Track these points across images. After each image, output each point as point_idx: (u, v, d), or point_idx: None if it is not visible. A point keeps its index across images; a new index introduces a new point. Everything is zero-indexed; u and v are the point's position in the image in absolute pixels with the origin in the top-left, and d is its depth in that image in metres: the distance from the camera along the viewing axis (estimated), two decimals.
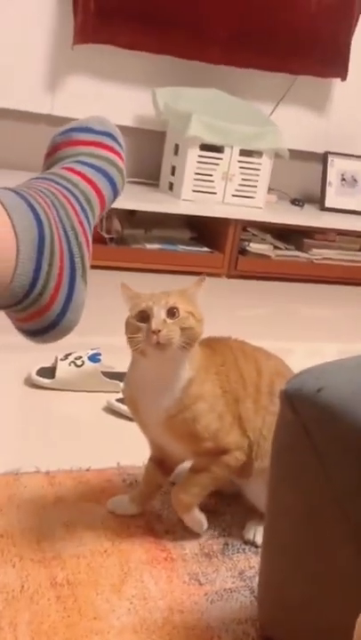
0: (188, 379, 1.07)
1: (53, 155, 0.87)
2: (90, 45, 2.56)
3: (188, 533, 1.15)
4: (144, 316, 1.04)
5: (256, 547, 1.14)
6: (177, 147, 2.75)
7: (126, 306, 1.08)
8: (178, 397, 1.07)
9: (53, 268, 0.74)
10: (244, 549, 1.14)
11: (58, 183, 0.79)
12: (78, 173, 0.82)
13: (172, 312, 1.03)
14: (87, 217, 0.80)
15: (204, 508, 1.18)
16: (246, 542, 1.15)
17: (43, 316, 0.75)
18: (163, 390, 1.07)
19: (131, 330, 1.05)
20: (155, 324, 1.02)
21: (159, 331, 1.01)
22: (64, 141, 0.87)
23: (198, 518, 1.14)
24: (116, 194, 0.87)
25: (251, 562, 1.11)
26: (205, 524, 1.14)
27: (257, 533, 1.15)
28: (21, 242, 0.70)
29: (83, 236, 0.77)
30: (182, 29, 2.66)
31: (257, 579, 1.03)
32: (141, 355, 1.05)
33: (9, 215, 0.70)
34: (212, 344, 1.16)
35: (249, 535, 1.16)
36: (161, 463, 1.18)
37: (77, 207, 0.78)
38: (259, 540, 1.13)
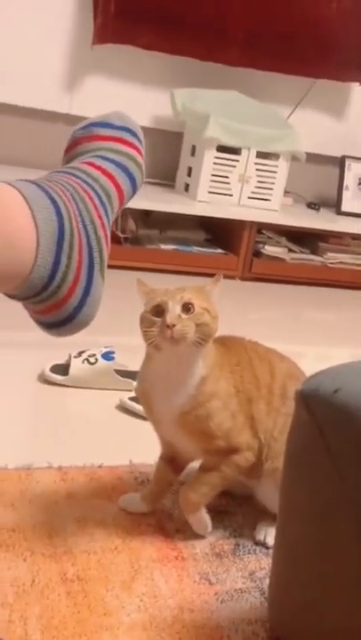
0: (201, 376, 1.07)
1: (73, 149, 0.87)
2: (109, 46, 2.57)
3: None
4: (159, 311, 1.04)
5: (267, 548, 1.13)
6: (194, 148, 2.75)
7: (141, 301, 1.08)
8: (192, 394, 1.07)
9: (72, 261, 0.74)
10: (254, 550, 1.13)
11: (78, 177, 0.80)
12: (98, 168, 0.83)
13: (187, 307, 1.04)
14: (106, 211, 0.80)
15: (214, 509, 1.18)
16: (257, 543, 1.15)
17: (60, 309, 0.76)
18: (176, 387, 1.07)
19: (145, 324, 1.05)
20: (169, 319, 1.02)
21: (174, 325, 1.01)
22: (84, 136, 0.88)
23: (204, 519, 1.13)
24: (135, 189, 0.87)
25: (261, 563, 1.10)
26: (210, 527, 1.14)
27: (268, 534, 1.14)
28: (41, 234, 0.71)
29: (101, 230, 0.78)
30: (202, 31, 2.66)
31: (267, 580, 1.02)
32: (155, 349, 1.05)
33: (30, 207, 0.70)
34: (226, 342, 1.16)
35: (260, 536, 1.15)
36: (172, 461, 1.18)
37: (97, 201, 0.79)
38: (270, 541, 1.13)
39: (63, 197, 0.75)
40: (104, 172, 0.83)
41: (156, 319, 1.03)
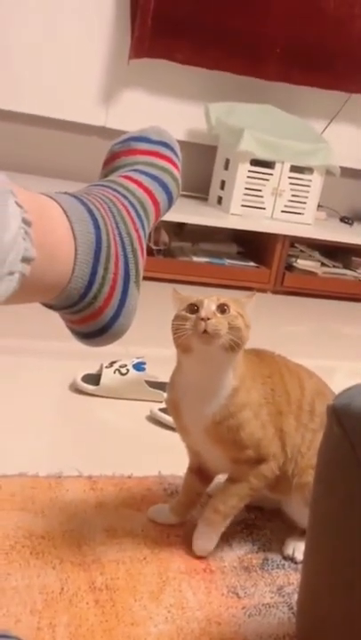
0: (233, 387, 1.07)
1: (112, 163, 0.89)
2: (145, 60, 2.61)
3: (228, 546, 1.14)
4: (193, 309, 1.03)
5: (295, 562, 1.13)
6: (227, 161, 2.76)
7: (175, 308, 1.08)
8: (223, 404, 1.07)
9: (108, 272, 0.75)
10: (283, 565, 1.13)
11: (116, 190, 0.81)
12: (135, 181, 0.84)
13: (222, 308, 1.03)
14: (142, 224, 0.81)
15: (243, 522, 1.18)
16: (285, 558, 1.14)
17: (96, 320, 0.77)
18: (207, 396, 1.07)
19: (179, 320, 1.04)
20: (204, 313, 1.01)
21: (208, 318, 1.01)
22: (122, 150, 0.89)
23: (213, 539, 1.11)
24: (170, 202, 0.89)
25: (290, 578, 1.10)
26: (210, 550, 1.11)
27: (296, 549, 1.14)
28: (79, 245, 0.72)
29: (138, 243, 0.79)
30: (238, 46, 2.68)
31: (296, 595, 1.02)
32: (186, 351, 1.05)
33: (69, 219, 0.72)
34: (259, 354, 1.16)
35: (288, 550, 1.15)
36: (199, 472, 1.18)
37: (134, 214, 0.80)
38: (298, 555, 1.12)
39: (101, 210, 0.76)
40: (141, 185, 0.84)
41: (191, 316, 1.03)
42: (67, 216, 0.72)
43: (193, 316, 1.03)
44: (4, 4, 2.49)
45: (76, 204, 0.74)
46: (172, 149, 0.91)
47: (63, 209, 0.72)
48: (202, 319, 1.01)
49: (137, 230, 0.79)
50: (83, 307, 0.75)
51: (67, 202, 0.73)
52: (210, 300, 1.04)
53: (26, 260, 0.64)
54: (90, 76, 2.65)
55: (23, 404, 1.56)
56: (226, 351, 1.03)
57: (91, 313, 0.76)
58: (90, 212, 0.74)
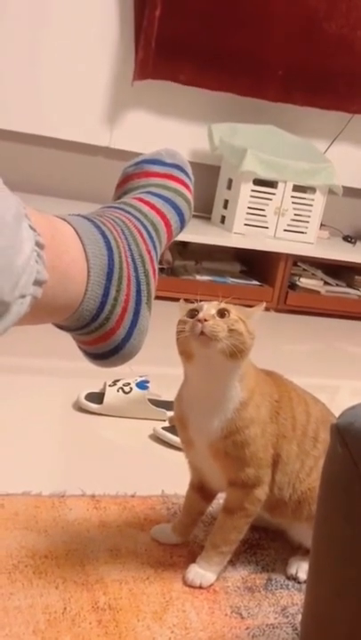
0: (240, 401, 1.06)
1: (125, 185, 0.90)
2: (149, 81, 2.63)
3: (231, 566, 1.14)
4: (194, 314, 1.03)
5: (299, 582, 1.12)
6: (230, 181, 2.78)
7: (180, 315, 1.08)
8: (230, 418, 1.06)
9: (120, 294, 0.76)
10: (287, 585, 1.12)
11: (128, 212, 0.82)
12: (148, 204, 0.85)
13: (222, 313, 1.03)
14: (155, 246, 0.82)
15: (247, 542, 1.17)
16: (289, 577, 1.13)
17: (107, 341, 0.78)
18: (214, 409, 1.06)
19: (179, 325, 1.04)
20: (202, 314, 1.01)
21: (205, 320, 1.00)
22: (135, 172, 0.90)
23: (209, 577, 1.09)
24: (183, 224, 0.90)
25: (294, 598, 1.09)
26: (206, 584, 1.09)
27: (300, 569, 1.13)
28: (92, 267, 0.73)
29: (150, 264, 0.80)
30: (241, 67, 2.71)
31: (300, 616, 1.01)
32: (187, 357, 1.05)
33: (82, 241, 0.73)
34: (270, 374, 1.16)
35: (292, 570, 1.14)
36: (201, 489, 1.17)
37: (146, 236, 0.81)
38: (301, 575, 1.12)
39: (114, 232, 0.77)
40: (153, 207, 0.85)
41: (190, 319, 1.03)
42: (79, 238, 0.73)
43: (192, 319, 1.03)
44: (14, 27, 2.52)
45: (89, 225, 0.75)
46: (184, 172, 0.92)
47: (76, 231, 0.73)
48: (199, 320, 1.00)
49: (149, 252, 0.80)
50: (94, 328, 0.76)
51: (79, 224, 0.74)
52: (210, 304, 1.03)
53: (38, 282, 0.65)
54: (95, 97, 2.68)
55: (27, 422, 1.56)
56: (227, 357, 1.02)
57: (102, 334, 0.77)
58: (102, 233, 0.75)
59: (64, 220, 0.74)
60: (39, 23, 2.55)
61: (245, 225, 2.75)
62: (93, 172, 2.72)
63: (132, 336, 0.78)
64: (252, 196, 2.73)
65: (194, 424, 1.09)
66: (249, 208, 2.74)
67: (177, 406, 1.13)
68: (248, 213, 2.74)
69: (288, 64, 2.76)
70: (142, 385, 1.66)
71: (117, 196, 0.90)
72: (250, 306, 1.11)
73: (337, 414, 0.89)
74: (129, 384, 1.66)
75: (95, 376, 1.72)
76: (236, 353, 1.02)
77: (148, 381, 1.66)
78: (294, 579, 1.13)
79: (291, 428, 1.11)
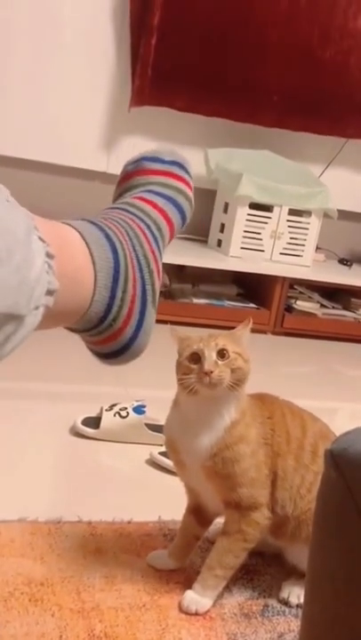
0: (231, 420, 1.09)
1: (125, 182, 0.92)
2: (145, 107, 2.67)
3: (228, 592, 1.13)
4: (195, 358, 1.07)
5: (290, 606, 1.12)
6: (226, 205, 2.80)
7: (175, 346, 1.10)
8: (220, 436, 1.08)
9: (127, 294, 0.77)
10: (283, 612, 1.12)
11: (131, 213, 0.84)
12: (150, 202, 0.87)
13: (221, 353, 1.07)
14: (158, 245, 0.84)
15: (243, 568, 1.17)
16: (281, 601, 1.13)
17: (115, 341, 0.79)
18: (206, 429, 1.09)
19: (183, 371, 1.08)
20: (207, 366, 1.05)
21: (212, 372, 1.05)
22: (136, 170, 0.92)
23: (205, 603, 1.09)
24: (184, 221, 0.91)
25: (291, 625, 1.09)
26: (197, 612, 1.09)
27: (292, 593, 1.13)
28: (98, 270, 0.75)
29: (154, 264, 0.81)
30: (236, 93, 2.75)
31: None
32: (192, 394, 1.08)
33: (87, 245, 0.74)
34: (262, 397, 1.18)
35: (284, 594, 1.14)
36: (198, 513, 1.17)
37: (149, 236, 0.82)
38: (293, 600, 1.12)
39: (118, 234, 0.78)
40: (155, 206, 0.87)
41: (194, 366, 1.07)
42: (85, 242, 0.74)
43: (195, 366, 1.06)
44: (9, 53, 2.56)
45: (94, 229, 0.77)
46: (184, 169, 0.94)
47: (82, 235, 0.74)
48: (206, 374, 1.05)
49: (153, 252, 0.82)
50: (102, 329, 0.77)
51: (85, 228, 0.76)
52: (209, 348, 1.06)
53: (50, 292, 0.66)
54: (92, 123, 2.71)
55: (23, 447, 1.56)
56: (229, 390, 1.07)
57: (110, 334, 0.78)
58: (107, 236, 0.77)
59: (69, 225, 0.76)
60: (36, 50, 2.59)
61: (242, 248, 2.76)
62: (91, 196, 2.74)
63: (138, 335, 0.80)
64: (248, 220, 2.75)
65: (184, 445, 1.11)
66: (245, 232, 2.76)
67: (167, 430, 1.15)
68: (244, 237, 2.76)
69: (283, 90, 2.80)
70: (139, 409, 1.66)
71: (118, 193, 0.92)
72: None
73: None
74: (126, 408, 1.66)
75: (92, 400, 1.72)
76: (238, 385, 1.08)
77: (144, 406, 1.67)
78: (285, 603, 1.13)
79: (285, 443, 1.12)
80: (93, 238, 0.76)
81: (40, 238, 0.66)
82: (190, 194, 0.94)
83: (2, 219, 0.62)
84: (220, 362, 1.06)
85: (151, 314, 0.82)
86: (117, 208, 0.85)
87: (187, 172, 0.95)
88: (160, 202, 0.88)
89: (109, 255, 0.76)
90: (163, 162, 0.93)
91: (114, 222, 0.81)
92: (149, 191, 0.89)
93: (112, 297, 0.76)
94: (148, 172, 0.92)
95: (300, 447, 1.13)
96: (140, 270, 0.80)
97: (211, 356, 1.06)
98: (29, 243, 0.64)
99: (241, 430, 1.09)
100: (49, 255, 0.66)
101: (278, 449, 1.12)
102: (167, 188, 0.90)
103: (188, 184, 0.94)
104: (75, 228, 0.75)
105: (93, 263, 0.74)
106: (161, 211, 0.87)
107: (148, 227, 0.84)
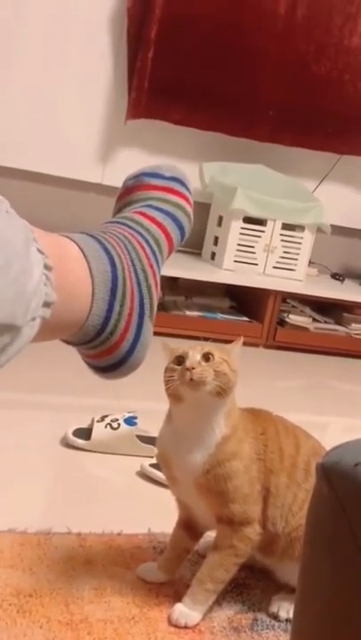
0: (223, 436, 1.08)
1: (125, 197, 0.92)
2: (141, 120, 2.68)
3: (217, 605, 1.13)
4: (180, 360, 1.07)
5: (279, 620, 1.11)
6: (220, 218, 2.82)
7: (165, 359, 1.11)
8: (212, 453, 1.08)
9: (124, 309, 0.78)
10: (273, 626, 1.11)
11: (130, 227, 0.84)
12: (149, 217, 0.87)
13: (206, 357, 1.07)
14: (157, 259, 0.84)
15: (233, 582, 1.16)
16: (270, 615, 1.13)
17: (112, 354, 0.79)
18: (197, 445, 1.08)
19: (168, 372, 1.08)
20: (189, 363, 1.05)
21: (193, 368, 1.05)
22: (136, 185, 0.93)
23: (194, 616, 1.08)
24: (183, 237, 0.92)
25: (280, 639, 1.08)
26: (187, 625, 1.09)
27: (281, 608, 1.13)
28: (96, 284, 0.75)
29: (152, 279, 0.82)
30: (232, 108, 2.77)
31: None
32: (177, 400, 1.07)
33: (86, 258, 0.75)
34: (256, 412, 1.17)
35: (273, 609, 1.14)
36: (188, 526, 1.17)
37: (148, 250, 0.83)
38: (282, 614, 1.12)
39: (117, 248, 0.79)
40: (154, 221, 0.87)
41: (178, 367, 1.07)
42: (84, 255, 0.75)
43: (180, 367, 1.06)
44: (6, 65, 2.57)
45: (93, 242, 0.77)
46: (184, 185, 0.94)
47: (80, 248, 0.75)
48: (187, 369, 1.04)
49: (151, 266, 0.82)
50: (99, 342, 0.77)
51: (83, 241, 0.76)
52: (194, 350, 1.07)
53: (47, 304, 0.67)
54: (88, 135, 2.73)
55: (13, 458, 1.55)
56: (214, 397, 1.06)
57: (107, 348, 0.78)
58: (106, 250, 0.77)
59: (69, 238, 0.76)
60: (34, 62, 2.60)
61: (235, 261, 2.77)
62: (86, 208, 2.75)
63: (135, 349, 0.80)
64: (241, 234, 2.76)
65: (177, 461, 1.10)
66: (239, 245, 2.77)
67: (159, 445, 1.14)
68: (238, 250, 2.77)
69: (278, 105, 2.82)
70: (130, 421, 1.65)
71: (118, 208, 0.92)
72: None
73: None
74: (117, 420, 1.65)
75: (83, 411, 1.72)
76: (223, 392, 1.06)
77: (136, 417, 1.66)
78: (274, 617, 1.12)
79: (278, 460, 1.12)
80: (92, 251, 0.76)
81: (39, 250, 0.66)
82: (190, 209, 0.94)
83: (1, 230, 0.63)
84: (204, 363, 1.06)
85: (148, 328, 0.82)
86: (116, 222, 0.86)
87: (186, 188, 0.96)
88: (159, 217, 0.89)
89: (108, 268, 0.76)
90: (163, 177, 0.94)
91: (113, 236, 0.81)
92: (149, 206, 0.90)
93: (109, 310, 0.76)
94: (148, 187, 0.92)
95: (294, 465, 1.12)
96: (138, 284, 0.80)
97: (194, 356, 1.06)
98: (28, 254, 0.64)
99: (233, 446, 1.09)
100: (47, 267, 0.67)
101: (271, 465, 1.11)
102: (167, 203, 0.91)
103: (187, 200, 0.94)
104: (74, 241, 0.76)
105: (92, 276, 0.75)
106: (160, 225, 0.88)
107: (147, 241, 0.84)
